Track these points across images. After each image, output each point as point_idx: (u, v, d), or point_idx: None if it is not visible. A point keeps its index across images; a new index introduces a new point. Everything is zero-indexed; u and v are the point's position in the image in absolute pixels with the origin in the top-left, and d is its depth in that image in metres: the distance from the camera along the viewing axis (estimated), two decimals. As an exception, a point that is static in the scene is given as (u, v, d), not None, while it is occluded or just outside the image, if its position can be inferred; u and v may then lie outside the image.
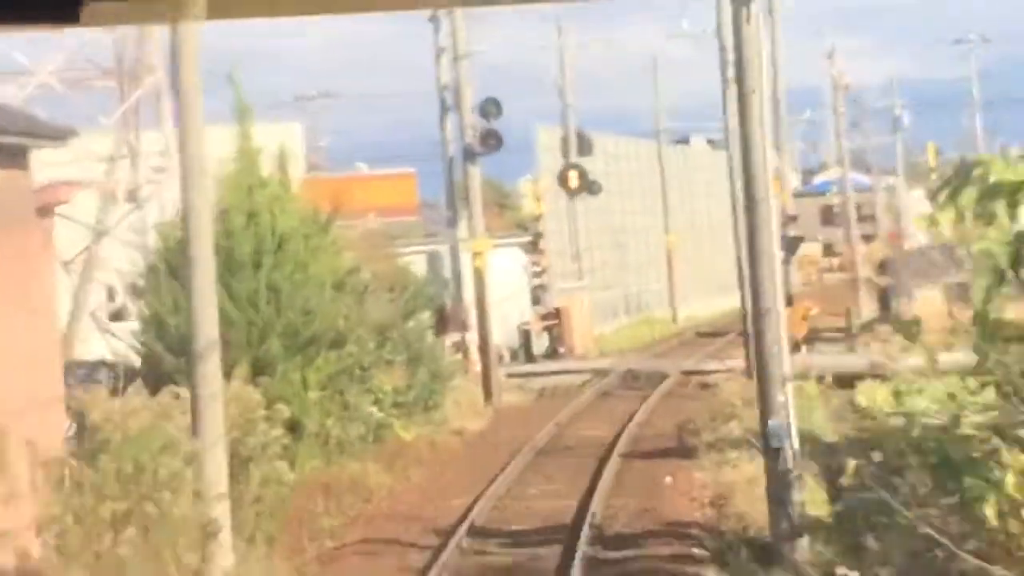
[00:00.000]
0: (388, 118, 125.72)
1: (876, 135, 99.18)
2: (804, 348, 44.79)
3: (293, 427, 26.99)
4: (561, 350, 53.86)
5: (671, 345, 58.38)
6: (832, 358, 46.09)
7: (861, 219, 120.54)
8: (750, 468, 26.67)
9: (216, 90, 29.15)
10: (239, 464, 21.87)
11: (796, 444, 21.19)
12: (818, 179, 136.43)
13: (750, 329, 40.40)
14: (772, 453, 21.14)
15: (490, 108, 43.48)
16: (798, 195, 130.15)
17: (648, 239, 79.42)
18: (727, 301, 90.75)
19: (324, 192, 67.52)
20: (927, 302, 54.98)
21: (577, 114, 65.19)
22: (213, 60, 27.00)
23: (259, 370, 27.44)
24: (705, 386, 42.95)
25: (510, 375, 48.04)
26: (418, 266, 62.94)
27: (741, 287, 41.79)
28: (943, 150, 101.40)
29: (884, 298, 60.16)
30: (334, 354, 30.21)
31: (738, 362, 46.66)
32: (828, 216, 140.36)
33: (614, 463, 30.51)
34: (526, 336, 52.87)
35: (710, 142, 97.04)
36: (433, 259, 62.74)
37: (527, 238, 61.03)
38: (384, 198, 74.62)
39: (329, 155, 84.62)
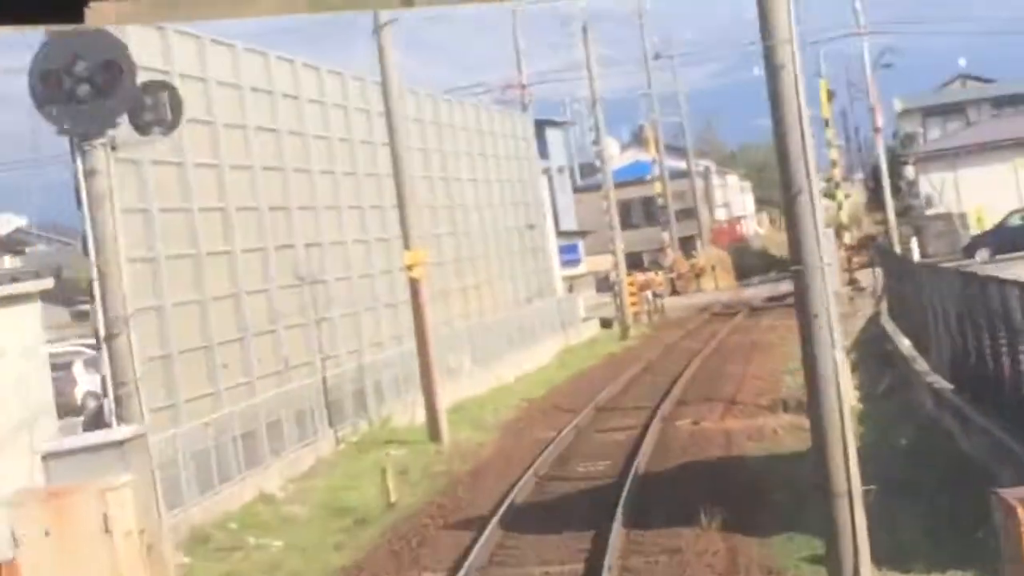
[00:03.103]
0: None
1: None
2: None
3: None
4: None
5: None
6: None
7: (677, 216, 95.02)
8: None
9: None
10: None
11: None
12: (623, 161, 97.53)
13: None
14: None
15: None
16: (581, 189, 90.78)
17: (372, 261, 40.94)
18: (525, 363, 52.24)
19: None
20: None
21: None
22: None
23: None
24: None
25: None
26: None
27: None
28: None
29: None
30: None
31: None
32: (628, 214, 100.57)
33: None
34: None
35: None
36: None
37: (42, 284, 22.11)
38: None
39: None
